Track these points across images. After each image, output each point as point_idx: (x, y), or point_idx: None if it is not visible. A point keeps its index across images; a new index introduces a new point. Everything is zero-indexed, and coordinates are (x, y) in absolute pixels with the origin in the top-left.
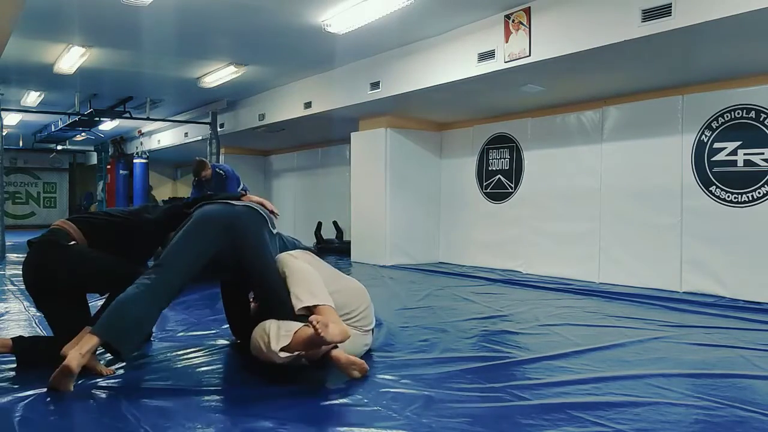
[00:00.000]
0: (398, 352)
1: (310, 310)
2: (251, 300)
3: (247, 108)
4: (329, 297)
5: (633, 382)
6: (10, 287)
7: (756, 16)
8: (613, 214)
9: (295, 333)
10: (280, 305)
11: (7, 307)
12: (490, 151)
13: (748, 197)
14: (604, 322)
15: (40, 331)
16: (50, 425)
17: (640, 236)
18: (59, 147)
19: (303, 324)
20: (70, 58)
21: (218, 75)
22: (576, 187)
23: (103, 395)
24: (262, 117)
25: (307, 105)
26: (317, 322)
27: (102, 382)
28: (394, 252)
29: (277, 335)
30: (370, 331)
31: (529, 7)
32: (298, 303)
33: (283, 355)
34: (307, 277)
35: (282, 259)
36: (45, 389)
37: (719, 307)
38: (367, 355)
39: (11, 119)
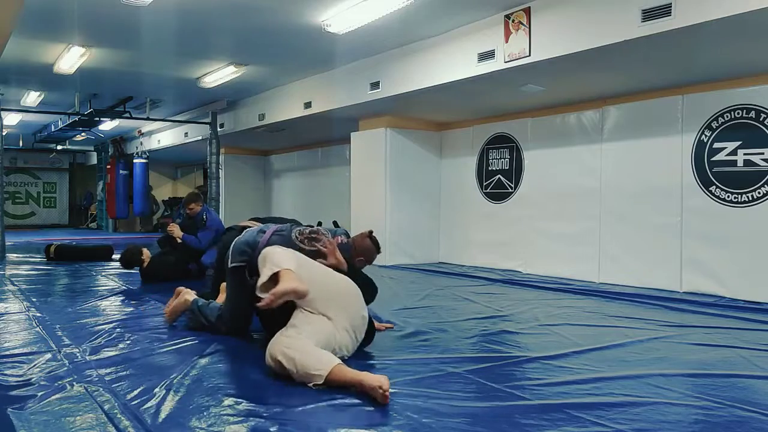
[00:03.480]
0: (398, 352)
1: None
2: None
3: (247, 108)
4: (290, 263)
5: (633, 382)
6: (10, 287)
7: (756, 16)
8: (613, 214)
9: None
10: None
11: (6, 307)
12: (490, 151)
13: (748, 197)
14: (604, 322)
15: (40, 331)
16: (50, 425)
17: (640, 236)
18: (59, 147)
19: (336, 362)
20: (70, 58)
21: (218, 75)
22: (576, 187)
23: (102, 396)
24: (262, 117)
25: (307, 105)
26: (270, 296)
27: (100, 382)
28: (394, 252)
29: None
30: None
31: (529, 7)
32: (260, 281)
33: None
34: (274, 258)
35: (264, 252)
36: (41, 391)
37: (719, 307)
38: (366, 355)
39: (11, 119)
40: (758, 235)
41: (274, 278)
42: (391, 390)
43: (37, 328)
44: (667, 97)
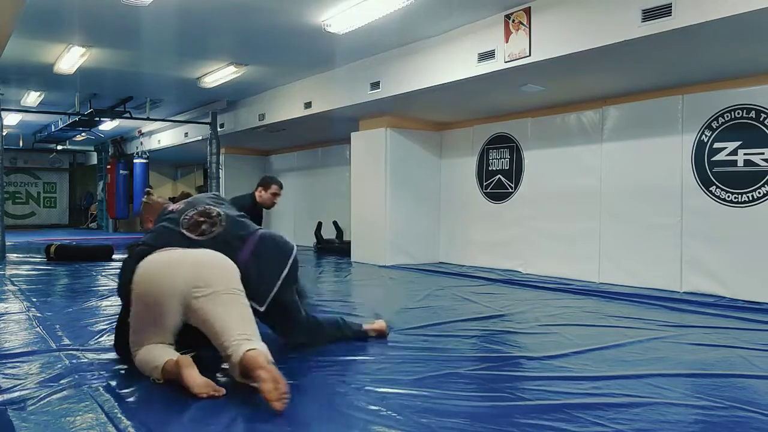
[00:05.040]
0: (398, 352)
1: None
2: None
3: (247, 108)
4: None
5: (633, 382)
6: (10, 287)
7: (756, 16)
8: (613, 214)
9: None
10: None
11: (7, 307)
12: (490, 151)
13: (748, 197)
14: (604, 322)
15: (40, 331)
16: (50, 425)
17: (640, 236)
18: (59, 147)
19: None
20: (70, 58)
21: (218, 75)
22: (576, 187)
23: (102, 395)
24: (262, 117)
25: (307, 105)
26: None
27: (100, 382)
28: (394, 252)
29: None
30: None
31: (529, 7)
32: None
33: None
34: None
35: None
36: (41, 391)
37: (719, 307)
38: (367, 355)
39: (11, 119)
40: (758, 235)
41: None
42: (390, 389)
43: (37, 328)
44: (667, 97)
